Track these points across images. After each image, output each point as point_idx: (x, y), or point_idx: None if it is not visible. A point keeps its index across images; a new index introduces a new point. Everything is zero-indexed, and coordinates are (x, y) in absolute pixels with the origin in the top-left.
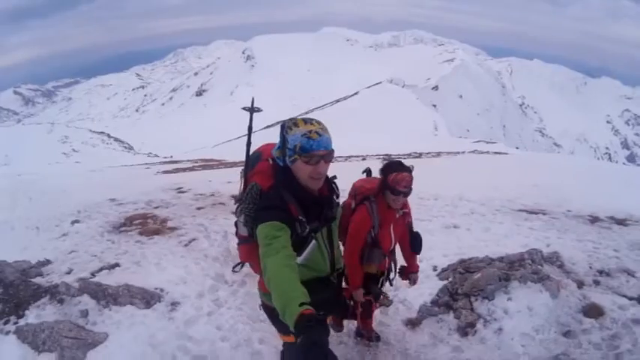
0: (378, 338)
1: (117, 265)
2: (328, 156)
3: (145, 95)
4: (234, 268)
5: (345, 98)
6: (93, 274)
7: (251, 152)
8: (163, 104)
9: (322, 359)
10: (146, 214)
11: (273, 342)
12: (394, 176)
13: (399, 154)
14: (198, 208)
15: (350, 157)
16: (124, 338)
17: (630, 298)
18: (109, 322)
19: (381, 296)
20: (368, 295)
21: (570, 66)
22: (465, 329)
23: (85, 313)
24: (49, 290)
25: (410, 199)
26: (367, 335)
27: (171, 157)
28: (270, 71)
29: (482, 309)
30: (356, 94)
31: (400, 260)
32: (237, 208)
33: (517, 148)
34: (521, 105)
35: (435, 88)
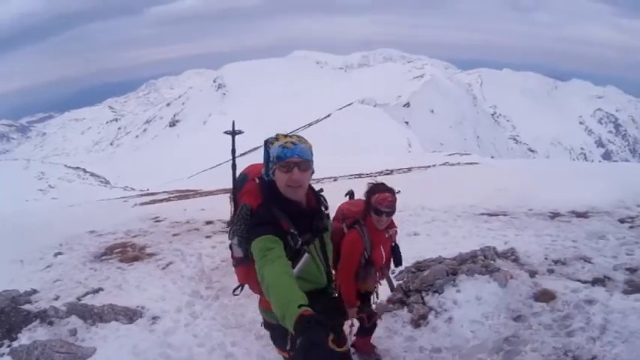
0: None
1: (100, 289)
2: (303, 164)
3: (119, 128)
4: (234, 291)
5: (317, 121)
6: (79, 299)
7: (237, 174)
8: (137, 136)
9: (323, 359)
10: (125, 242)
11: (244, 344)
12: (376, 197)
13: (370, 173)
14: (174, 235)
15: (322, 179)
16: (110, 350)
17: (585, 282)
18: (96, 337)
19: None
20: (361, 312)
21: (540, 72)
22: (418, 321)
23: (74, 332)
24: (38, 315)
25: None
26: (367, 357)
27: (148, 189)
28: (242, 98)
29: (433, 302)
30: (328, 116)
31: None
32: (229, 231)
33: (492, 157)
34: (493, 114)
35: (407, 105)
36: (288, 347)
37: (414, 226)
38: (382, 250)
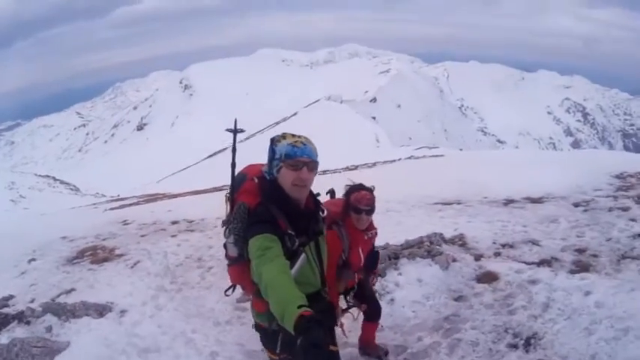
0: (386, 353)
1: (73, 289)
2: (311, 164)
3: (87, 134)
4: (225, 292)
5: (284, 120)
6: (53, 300)
7: (235, 174)
8: (106, 142)
9: (323, 359)
10: (96, 245)
11: (203, 330)
12: (355, 195)
13: (335, 169)
14: (142, 236)
15: None
16: (83, 342)
17: (530, 264)
18: (70, 332)
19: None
20: (346, 310)
21: (507, 63)
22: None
23: (49, 329)
24: (16, 316)
25: None
26: (374, 353)
27: (119, 195)
28: (209, 99)
29: (376, 285)
30: (295, 114)
31: None
32: (225, 229)
33: (461, 149)
34: (460, 107)
35: (373, 100)
36: (278, 350)
37: None
38: (361, 252)
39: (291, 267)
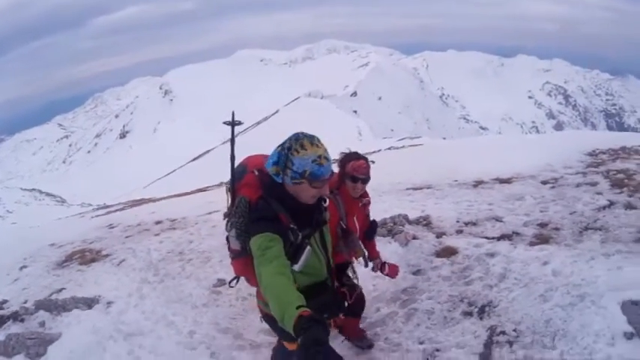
0: (370, 346)
1: (64, 289)
2: (331, 176)
3: (70, 145)
4: (229, 283)
5: (265, 119)
6: (45, 299)
7: (235, 165)
8: (89, 152)
9: (323, 359)
10: (83, 249)
11: (182, 313)
12: (352, 164)
13: None
14: (127, 237)
15: None
16: (73, 332)
17: (490, 238)
18: (61, 324)
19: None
20: (342, 287)
21: (485, 50)
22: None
23: (42, 324)
24: (11, 316)
25: None
26: (359, 343)
27: (105, 204)
28: (190, 103)
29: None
30: (276, 112)
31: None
32: (227, 223)
33: (444, 138)
34: (441, 96)
35: (354, 94)
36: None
37: None
38: (355, 220)
39: (297, 261)
